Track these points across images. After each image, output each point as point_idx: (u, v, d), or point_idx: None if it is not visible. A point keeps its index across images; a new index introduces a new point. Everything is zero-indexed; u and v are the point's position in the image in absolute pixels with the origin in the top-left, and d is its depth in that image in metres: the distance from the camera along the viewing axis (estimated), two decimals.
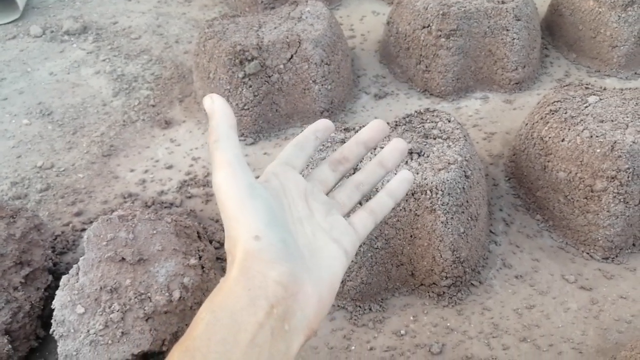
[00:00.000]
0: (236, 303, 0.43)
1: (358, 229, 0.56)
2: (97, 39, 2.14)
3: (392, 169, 0.61)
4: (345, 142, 1.27)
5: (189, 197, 1.49)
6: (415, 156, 1.22)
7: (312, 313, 0.46)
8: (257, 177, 0.52)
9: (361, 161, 1.19)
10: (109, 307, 1.03)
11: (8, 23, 2.25)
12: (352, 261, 1.17)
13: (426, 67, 1.76)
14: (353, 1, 2.29)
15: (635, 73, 1.79)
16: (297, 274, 0.46)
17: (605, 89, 1.40)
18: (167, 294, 1.05)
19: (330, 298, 0.49)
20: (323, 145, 1.26)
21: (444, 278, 1.21)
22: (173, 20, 2.24)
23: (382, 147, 0.66)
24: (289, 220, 0.50)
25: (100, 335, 1.00)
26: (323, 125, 0.61)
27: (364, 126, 0.63)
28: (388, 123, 1.33)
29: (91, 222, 1.43)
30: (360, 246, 1.16)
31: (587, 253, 1.30)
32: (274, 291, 0.44)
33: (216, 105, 0.50)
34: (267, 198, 0.48)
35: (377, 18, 2.16)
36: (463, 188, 1.19)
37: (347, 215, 0.58)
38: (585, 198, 1.26)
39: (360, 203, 0.63)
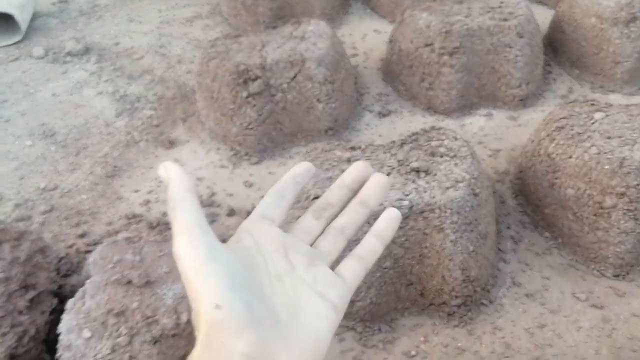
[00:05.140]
0: None
1: (347, 278, 0.51)
2: (99, 60, 2.14)
3: (375, 206, 0.57)
4: (350, 162, 1.27)
5: None
6: (422, 174, 1.21)
7: None
8: (231, 236, 0.51)
9: None
10: (116, 331, 1.01)
11: (10, 45, 2.25)
12: (362, 281, 1.16)
13: (430, 84, 1.76)
14: (355, 20, 2.30)
15: (639, 88, 1.80)
16: (268, 342, 0.41)
17: (611, 105, 1.40)
18: (174, 316, 1.03)
19: None
20: (330, 164, 1.26)
21: (454, 297, 1.20)
22: (175, 40, 2.25)
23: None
24: (262, 281, 0.46)
25: None
26: (303, 169, 0.57)
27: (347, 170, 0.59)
28: (393, 141, 1.33)
29: (96, 244, 1.41)
30: None
31: (598, 270, 1.29)
32: None
33: (170, 173, 0.48)
34: (230, 261, 0.44)
35: (379, 36, 2.17)
36: (472, 206, 1.18)
37: (336, 264, 0.54)
38: (595, 215, 1.25)
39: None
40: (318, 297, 0.48)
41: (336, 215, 0.57)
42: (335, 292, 0.49)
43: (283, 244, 0.51)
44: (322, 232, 0.56)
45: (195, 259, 0.43)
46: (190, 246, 0.43)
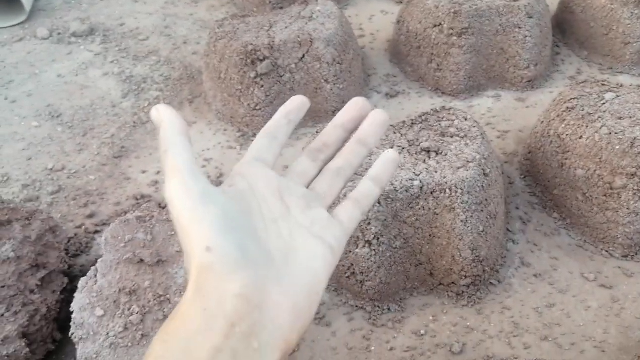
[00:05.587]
0: (190, 328, 0.38)
1: (343, 221, 0.50)
2: (104, 41, 2.13)
3: (374, 145, 0.54)
4: None
5: None
6: (433, 154, 1.21)
7: (286, 324, 0.41)
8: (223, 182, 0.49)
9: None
10: (129, 310, 1.01)
11: (15, 25, 2.24)
12: (371, 261, 1.16)
13: (438, 65, 1.75)
14: (361, 0, 2.28)
15: None
16: (262, 282, 0.41)
17: (622, 86, 1.39)
18: None
19: (310, 303, 0.44)
20: None
21: (463, 277, 1.20)
22: (181, 21, 2.23)
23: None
24: (257, 224, 0.45)
25: (120, 338, 0.99)
26: (295, 104, 0.53)
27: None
28: (403, 122, 1.33)
29: (104, 224, 1.42)
30: (379, 245, 1.16)
31: (607, 251, 1.29)
32: (234, 306, 0.39)
33: (162, 115, 0.46)
34: (223, 203, 0.43)
35: (386, 17, 2.15)
36: (482, 186, 1.18)
37: (333, 207, 0.52)
38: (605, 195, 1.25)
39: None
40: (314, 239, 0.47)
41: (332, 156, 0.54)
42: (332, 233, 0.48)
43: (278, 187, 0.49)
44: (319, 173, 0.53)
45: (188, 202, 0.42)
46: (183, 189, 0.42)
